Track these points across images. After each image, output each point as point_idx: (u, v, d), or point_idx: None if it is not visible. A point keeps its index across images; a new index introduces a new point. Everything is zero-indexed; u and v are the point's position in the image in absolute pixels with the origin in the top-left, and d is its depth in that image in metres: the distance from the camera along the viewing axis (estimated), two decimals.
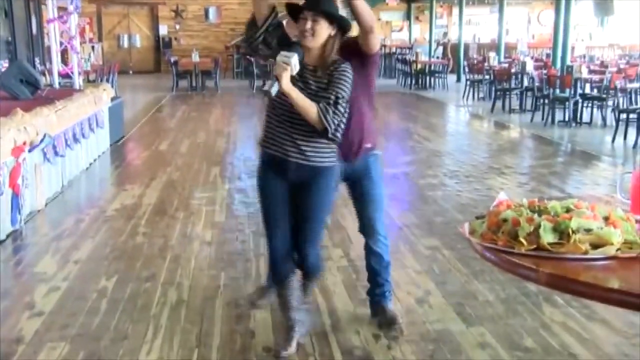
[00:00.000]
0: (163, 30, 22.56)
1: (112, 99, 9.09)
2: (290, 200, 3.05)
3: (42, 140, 5.65)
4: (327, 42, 2.89)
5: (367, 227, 3.40)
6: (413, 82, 17.43)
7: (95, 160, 7.91)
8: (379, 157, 3.37)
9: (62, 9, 8.97)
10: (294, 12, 2.92)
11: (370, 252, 3.43)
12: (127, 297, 3.87)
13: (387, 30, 23.41)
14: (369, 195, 3.34)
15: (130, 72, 21.55)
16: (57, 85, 8.81)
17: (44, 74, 9.78)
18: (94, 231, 5.20)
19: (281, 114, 2.94)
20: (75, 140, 7.05)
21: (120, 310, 3.69)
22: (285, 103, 2.88)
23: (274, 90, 2.78)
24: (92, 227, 5.30)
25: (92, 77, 12.58)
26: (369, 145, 3.26)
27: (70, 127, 6.88)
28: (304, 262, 3.17)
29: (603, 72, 11.60)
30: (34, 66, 11.08)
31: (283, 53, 2.79)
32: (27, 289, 4.03)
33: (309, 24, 2.84)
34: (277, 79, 2.76)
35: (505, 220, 1.85)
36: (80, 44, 10.80)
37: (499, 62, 15.41)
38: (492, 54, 15.98)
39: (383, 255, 3.41)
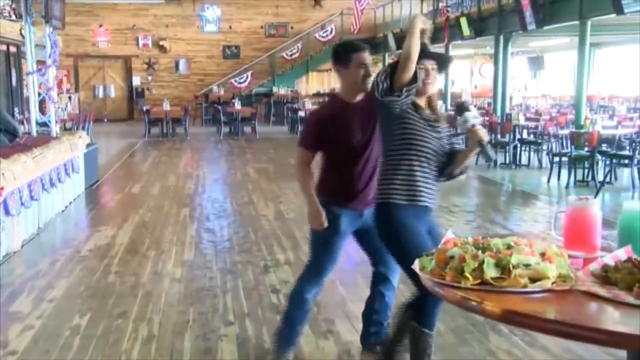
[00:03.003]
0: (136, 81, 22.49)
1: (88, 146, 8.96)
2: None
3: None
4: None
5: None
6: None
7: (70, 203, 7.75)
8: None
9: (40, 62, 8.86)
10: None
11: None
12: (100, 334, 3.76)
13: None
14: None
15: (105, 120, 21.31)
16: (34, 133, 8.65)
17: (22, 123, 9.61)
18: (69, 271, 5.07)
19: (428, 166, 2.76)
20: (52, 184, 6.91)
21: (92, 346, 3.58)
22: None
23: (492, 154, 2.71)
24: (67, 267, 5.17)
25: (68, 125, 12.38)
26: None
27: (47, 172, 6.75)
28: None
29: (538, 120, 11.96)
30: (13, 115, 10.89)
31: (471, 115, 2.62)
32: (2, 328, 3.88)
33: (431, 72, 2.68)
34: (482, 143, 2.62)
35: (452, 257, 1.87)
36: (58, 94, 10.67)
37: (446, 110, 15.74)
38: (439, 102, 16.29)
39: None
